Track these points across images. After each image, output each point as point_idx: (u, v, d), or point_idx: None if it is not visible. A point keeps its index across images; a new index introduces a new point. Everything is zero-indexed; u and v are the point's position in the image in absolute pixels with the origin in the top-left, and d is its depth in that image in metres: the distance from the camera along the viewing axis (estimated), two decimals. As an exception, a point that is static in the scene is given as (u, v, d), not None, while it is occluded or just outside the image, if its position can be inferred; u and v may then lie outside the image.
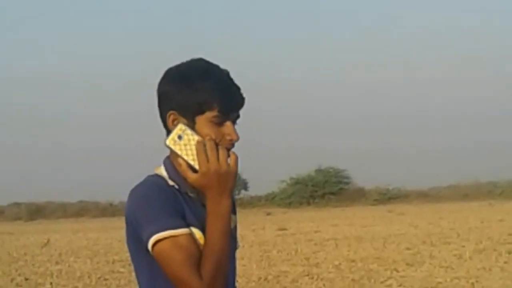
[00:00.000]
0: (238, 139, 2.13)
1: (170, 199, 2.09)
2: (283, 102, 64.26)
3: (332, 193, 45.63)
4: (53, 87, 67.91)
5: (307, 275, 12.54)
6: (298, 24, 71.13)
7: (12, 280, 13.85)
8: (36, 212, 45.47)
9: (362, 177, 46.70)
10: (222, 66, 2.20)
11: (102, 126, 64.09)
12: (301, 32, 70.78)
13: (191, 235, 2.04)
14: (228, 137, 2.12)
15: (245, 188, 48.72)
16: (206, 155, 2.04)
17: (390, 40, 68.18)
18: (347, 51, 68.66)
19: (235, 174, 2.09)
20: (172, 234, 2.00)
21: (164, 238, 2.00)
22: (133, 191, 2.12)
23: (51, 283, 13.04)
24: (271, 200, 46.62)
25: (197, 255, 2.01)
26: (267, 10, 72.05)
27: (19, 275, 14.64)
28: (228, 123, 2.13)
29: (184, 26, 70.19)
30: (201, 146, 2.05)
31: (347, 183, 46.85)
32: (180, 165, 2.09)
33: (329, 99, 66.42)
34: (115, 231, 25.18)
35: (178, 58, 2.22)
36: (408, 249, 16.07)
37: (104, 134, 63.12)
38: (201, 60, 2.19)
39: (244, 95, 2.19)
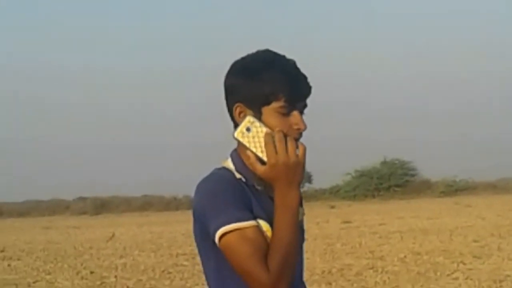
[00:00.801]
0: (305, 128, 2.11)
1: (237, 192, 2.08)
2: (347, 93, 63.89)
3: (398, 186, 45.19)
4: (115, 87, 68.87)
5: (372, 268, 12.39)
6: (356, 17, 70.51)
7: (77, 273, 14.02)
8: (101, 206, 46.14)
9: (428, 169, 46.13)
10: (288, 56, 2.17)
11: (167, 122, 64.76)
12: (360, 24, 70.24)
13: (258, 227, 2.03)
14: (295, 127, 2.10)
15: (309, 181, 48.56)
16: (275, 147, 2.02)
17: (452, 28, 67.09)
18: (410, 41, 67.80)
19: (304, 165, 2.06)
20: (239, 226, 2.00)
21: (231, 231, 2.00)
22: (200, 185, 2.12)
23: (115, 276, 13.14)
24: (335, 193, 46.41)
25: (265, 248, 2.00)
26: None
27: (84, 268, 14.83)
28: (295, 113, 2.11)
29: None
30: (269, 138, 2.03)
31: (412, 175, 46.35)
32: (248, 157, 2.07)
33: (395, 90, 65.87)
34: (179, 225, 25.36)
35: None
36: (475, 241, 15.75)
37: (169, 130, 63.79)
38: (267, 51, 2.17)
39: (311, 84, 2.16)
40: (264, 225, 2.06)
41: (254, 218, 2.04)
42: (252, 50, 2.20)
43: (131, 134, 63.84)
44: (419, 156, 47.35)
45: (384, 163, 46.83)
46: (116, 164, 59.06)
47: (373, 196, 44.75)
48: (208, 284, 2.18)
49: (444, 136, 55.16)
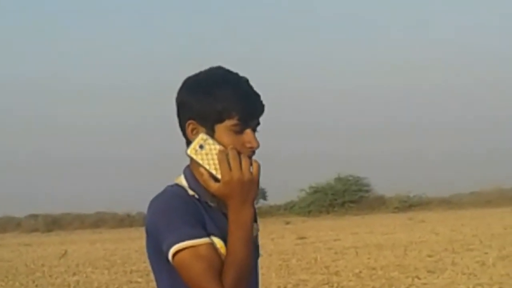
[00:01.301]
0: (258, 146, 2.10)
1: (190, 209, 2.05)
2: (300, 110, 64.19)
3: (352, 201, 45.45)
4: (69, 96, 68.23)
5: (327, 283, 12.40)
6: (299, 27, 70.92)
7: (29, 291, 13.79)
8: (53, 223, 45.66)
9: (382, 185, 46.48)
10: (241, 73, 2.16)
11: (118, 136, 64.30)
12: (314, 38, 70.70)
13: (212, 244, 2.02)
14: (248, 145, 2.08)
15: (264, 197, 48.59)
16: (229, 164, 2.01)
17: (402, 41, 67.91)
18: (364, 54, 68.48)
19: (258, 182, 2.06)
20: (193, 244, 1.98)
21: (184, 248, 1.97)
22: (153, 202, 2.10)
23: (68, 294, 12.95)
24: (290, 209, 46.50)
25: (218, 265, 1.99)
26: (278, 13, 72.10)
27: (36, 286, 14.69)
28: (248, 131, 2.09)
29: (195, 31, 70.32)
30: (223, 155, 2.02)
31: (367, 191, 46.66)
32: (201, 174, 2.06)
33: (346, 105, 66.33)
34: (133, 242, 25.18)
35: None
36: (429, 256, 15.85)
37: (120, 144, 63.31)
38: (219, 68, 2.16)
39: (264, 102, 2.15)
40: (217, 242, 2.04)
41: (208, 235, 2.03)
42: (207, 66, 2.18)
43: (83, 148, 63.23)
44: (373, 172, 47.72)
45: (338, 179, 47.08)
46: (67, 180, 58.42)
47: (328, 212, 44.92)
48: None
49: (398, 152, 55.67)
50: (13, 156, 62.27)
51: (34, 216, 47.48)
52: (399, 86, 64.36)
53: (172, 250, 1.98)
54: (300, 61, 69.90)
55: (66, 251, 23.95)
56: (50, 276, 16.59)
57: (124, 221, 44.73)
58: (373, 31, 70.40)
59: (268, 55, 70.12)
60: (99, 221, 45.86)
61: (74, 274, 16.72)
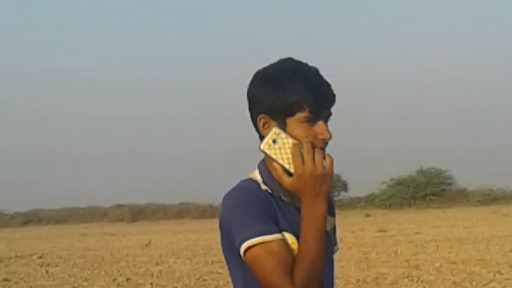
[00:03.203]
0: (331, 137, 2.07)
1: (263, 204, 2.05)
2: (383, 102, 63.58)
3: (434, 194, 44.84)
4: (153, 93, 69.23)
5: (407, 277, 12.30)
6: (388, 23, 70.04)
7: (114, 280, 14.12)
8: (138, 213, 46.40)
9: (465, 178, 45.75)
10: (311, 63, 2.13)
11: (201, 129, 64.93)
12: (401, 31, 69.77)
13: (283, 240, 2.01)
14: (320, 136, 2.05)
15: (345, 190, 48.44)
16: (302, 158, 1.99)
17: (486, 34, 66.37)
18: (449, 47, 67.26)
19: (331, 177, 2.03)
20: (264, 240, 1.97)
21: (256, 244, 1.97)
22: (226, 197, 2.10)
23: (151, 284, 13.21)
24: (371, 202, 46.18)
25: (290, 261, 1.97)
26: (365, 9, 71.45)
27: (121, 275, 14.93)
28: (320, 122, 2.06)
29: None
30: (296, 149, 2.00)
31: (449, 184, 45.96)
32: (275, 169, 2.05)
33: (431, 97, 65.36)
34: (215, 232, 25.07)
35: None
36: (512, 251, 15.56)
37: (203, 137, 63.92)
38: (289, 60, 2.14)
39: (335, 91, 2.11)
40: (289, 237, 2.04)
41: (280, 231, 2.02)
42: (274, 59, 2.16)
43: (169, 142, 64.13)
44: (455, 165, 46.97)
45: (420, 171, 46.50)
46: (153, 171, 59.36)
47: (409, 205, 44.45)
48: None
49: (481, 145, 54.61)
50: (102, 148, 63.67)
51: (120, 206, 48.38)
52: (483, 78, 63.11)
53: (244, 246, 1.98)
54: (378, 54, 69.19)
55: (149, 241, 24.36)
56: (134, 265, 16.94)
57: (206, 212, 45.16)
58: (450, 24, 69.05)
59: (341, 44, 69.68)
60: (182, 212, 46.40)
61: (157, 264, 17.02)
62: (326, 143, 2.08)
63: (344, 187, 48.10)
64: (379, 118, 61.44)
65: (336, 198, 43.18)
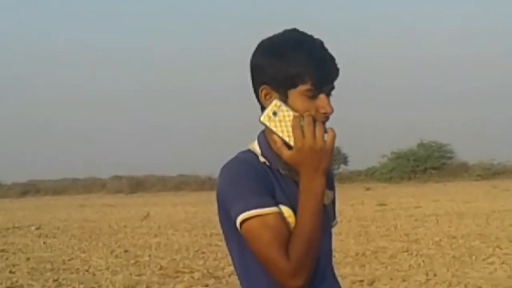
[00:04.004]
0: (332, 111, 2.06)
1: (260, 176, 2.04)
2: (384, 75, 63.43)
3: (434, 168, 44.79)
4: (155, 65, 69.09)
5: (406, 251, 12.26)
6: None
7: (112, 252, 14.10)
8: (136, 185, 46.45)
9: (465, 152, 45.68)
10: (316, 36, 2.11)
11: (200, 100, 64.88)
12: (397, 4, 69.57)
13: (280, 214, 2.00)
14: (322, 110, 2.05)
15: (345, 163, 48.41)
16: (302, 131, 1.98)
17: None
18: (451, 20, 67.05)
19: (331, 151, 2.02)
20: (260, 212, 1.97)
21: (252, 217, 1.97)
22: (223, 169, 2.10)
23: (149, 255, 13.18)
24: (371, 175, 46.14)
25: (286, 235, 1.97)
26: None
27: (119, 247, 14.92)
28: (322, 96, 2.05)
29: None
30: (297, 121, 1.99)
31: (450, 158, 45.90)
32: (275, 142, 2.04)
33: (431, 71, 65.22)
34: (213, 205, 24.67)
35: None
36: (512, 226, 15.50)
37: (203, 108, 63.89)
38: (294, 31, 2.11)
39: (339, 65, 2.09)
40: (286, 211, 2.03)
41: (276, 204, 2.01)
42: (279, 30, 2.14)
43: (167, 114, 64.10)
44: (456, 139, 46.93)
45: (421, 145, 46.45)
46: (152, 143, 59.39)
47: (409, 179, 44.42)
48: (234, 265, 2.17)
49: (482, 118, 54.51)
50: (101, 119, 63.66)
51: (119, 178, 48.43)
52: (485, 51, 62.91)
53: (240, 218, 1.98)
54: (381, 26, 69.00)
55: (148, 213, 24.39)
56: (132, 237, 16.94)
57: (205, 184, 45.14)
58: None
59: (344, 18, 69.46)
60: (181, 184, 46.42)
61: (156, 235, 17.01)
62: (328, 117, 2.07)
63: (344, 160, 48.06)
64: (380, 91, 61.29)
65: (335, 171, 43.15)
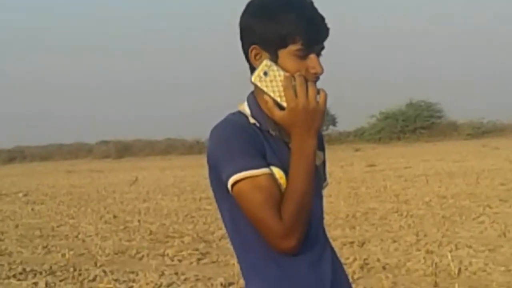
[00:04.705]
0: (322, 71, 2.04)
1: (251, 138, 2.03)
2: (370, 34, 63.29)
3: (423, 128, 44.91)
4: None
5: (396, 212, 12.24)
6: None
7: (101, 217, 14.06)
8: (124, 150, 46.36)
9: (455, 111, 45.90)
10: None
11: (186, 57, 64.65)
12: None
13: (271, 175, 1.99)
14: (312, 70, 2.02)
15: (334, 124, 48.48)
16: (294, 91, 1.96)
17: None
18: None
19: (323, 112, 2.00)
20: (252, 174, 1.96)
21: (243, 179, 1.96)
22: (213, 131, 2.07)
23: (139, 221, 13.13)
24: (360, 136, 46.25)
25: (278, 196, 1.96)
26: None
27: (108, 212, 14.89)
28: (312, 56, 2.03)
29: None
30: (289, 82, 1.96)
31: (439, 117, 46.00)
32: (266, 102, 2.02)
33: (422, 29, 65.13)
34: (202, 169, 25.10)
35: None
36: (502, 184, 15.53)
37: (186, 67, 63.68)
38: None
39: (329, 25, 2.07)
40: (277, 172, 2.01)
41: (267, 165, 1.99)
42: None
43: (156, 71, 63.92)
44: (445, 97, 46.98)
45: (409, 104, 46.51)
46: (137, 105, 59.22)
47: (398, 139, 44.54)
48: (226, 229, 2.14)
49: (471, 77, 54.56)
50: (84, 80, 63.34)
51: (105, 143, 48.31)
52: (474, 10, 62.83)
53: (231, 180, 1.96)
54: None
55: (137, 178, 24.36)
56: (121, 202, 16.90)
57: (193, 148, 45.18)
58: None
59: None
60: (169, 148, 46.39)
61: (145, 200, 16.98)
62: (318, 78, 2.05)
63: (333, 121, 48.09)
64: (367, 49, 61.21)
65: (324, 133, 43.16)
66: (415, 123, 44.88)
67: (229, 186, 1.98)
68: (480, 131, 43.08)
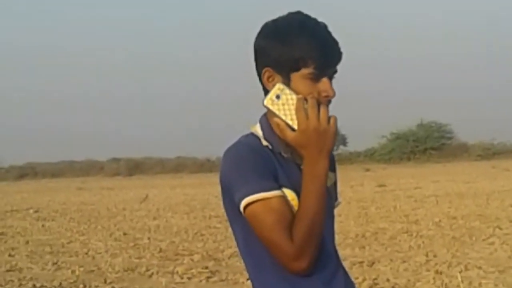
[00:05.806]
0: (334, 95, 2.06)
1: (263, 160, 2.05)
2: (381, 55, 63.34)
3: (434, 149, 44.81)
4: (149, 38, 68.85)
5: (406, 232, 12.23)
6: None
7: (111, 234, 14.06)
8: (135, 167, 46.38)
9: (465, 132, 45.74)
10: (320, 19, 2.11)
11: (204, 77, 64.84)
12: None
13: (283, 197, 2.01)
14: (324, 94, 2.04)
15: (344, 144, 48.39)
16: (306, 113, 1.98)
17: None
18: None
19: (335, 134, 2.02)
20: (264, 196, 1.97)
21: (255, 201, 1.98)
22: (226, 153, 2.09)
23: (148, 238, 13.13)
24: (370, 156, 46.17)
25: (289, 218, 1.97)
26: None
27: (118, 229, 14.88)
28: (325, 79, 2.05)
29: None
30: (300, 104, 1.98)
31: (449, 138, 45.92)
32: (277, 125, 2.03)
33: (431, 50, 65.13)
34: (212, 187, 25.36)
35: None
36: (512, 206, 15.46)
37: (204, 86, 63.83)
38: (298, 13, 2.11)
39: (342, 49, 2.09)
40: (289, 194, 2.02)
41: (279, 187, 2.01)
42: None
43: (168, 84, 64.09)
44: (456, 119, 46.89)
45: (420, 125, 46.44)
46: (149, 124, 59.35)
47: (409, 159, 44.44)
48: (239, 249, 2.16)
49: (482, 99, 54.46)
50: (99, 100, 63.61)
51: (116, 160, 48.38)
52: (477, 31, 62.81)
53: (244, 202, 1.98)
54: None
55: (147, 196, 24.36)
56: (131, 220, 16.89)
57: (204, 166, 45.16)
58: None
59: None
60: (179, 166, 46.39)
61: (155, 218, 16.98)
62: (330, 101, 2.07)
63: (343, 141, 48.03)
64: (379, 69, 61.23)
65: (335, 153, 42.76)
66: (426, 144, 44.81)
67: (241, 208, 2.00)
68: (491, 152, 42.96)
